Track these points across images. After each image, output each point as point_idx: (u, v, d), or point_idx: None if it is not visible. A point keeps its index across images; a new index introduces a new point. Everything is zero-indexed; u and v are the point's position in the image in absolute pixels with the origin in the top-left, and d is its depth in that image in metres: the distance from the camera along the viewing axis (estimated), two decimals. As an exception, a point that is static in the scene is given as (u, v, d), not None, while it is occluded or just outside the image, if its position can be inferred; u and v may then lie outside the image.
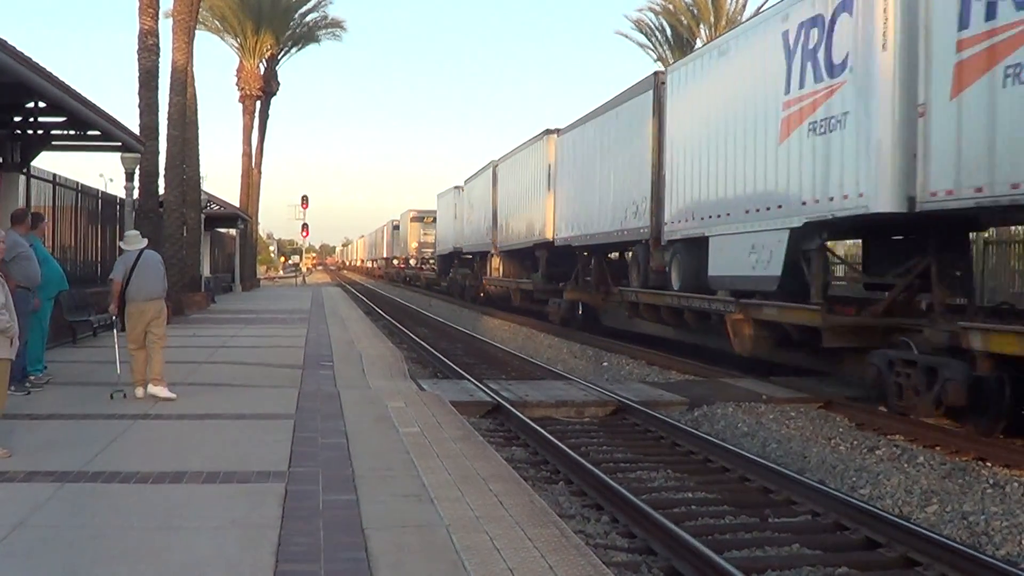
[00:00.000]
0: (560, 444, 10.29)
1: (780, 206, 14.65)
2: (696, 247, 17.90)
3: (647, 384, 15.77)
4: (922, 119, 11.46)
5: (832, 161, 13.24)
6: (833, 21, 13.30)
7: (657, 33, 45.73)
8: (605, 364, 19.55)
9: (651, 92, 20.44)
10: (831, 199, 13.23)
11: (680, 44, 42.87)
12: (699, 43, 39.87)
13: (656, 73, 20.84)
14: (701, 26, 43.60)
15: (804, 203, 13.96)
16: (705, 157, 17.54)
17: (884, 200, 12.13)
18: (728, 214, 16.51)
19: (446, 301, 44.78)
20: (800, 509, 8.38)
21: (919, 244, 13.31)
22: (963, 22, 10.74)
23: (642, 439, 11.79)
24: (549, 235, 28.77)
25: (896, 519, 7.69)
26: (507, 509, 6.18)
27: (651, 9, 45.30)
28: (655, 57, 45.15)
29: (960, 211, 11.13)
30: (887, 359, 12.54)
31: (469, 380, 15.41)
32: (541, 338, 25.55)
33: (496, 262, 37.09)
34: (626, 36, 47.73)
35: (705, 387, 15.05)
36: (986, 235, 17.25)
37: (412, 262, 65.43)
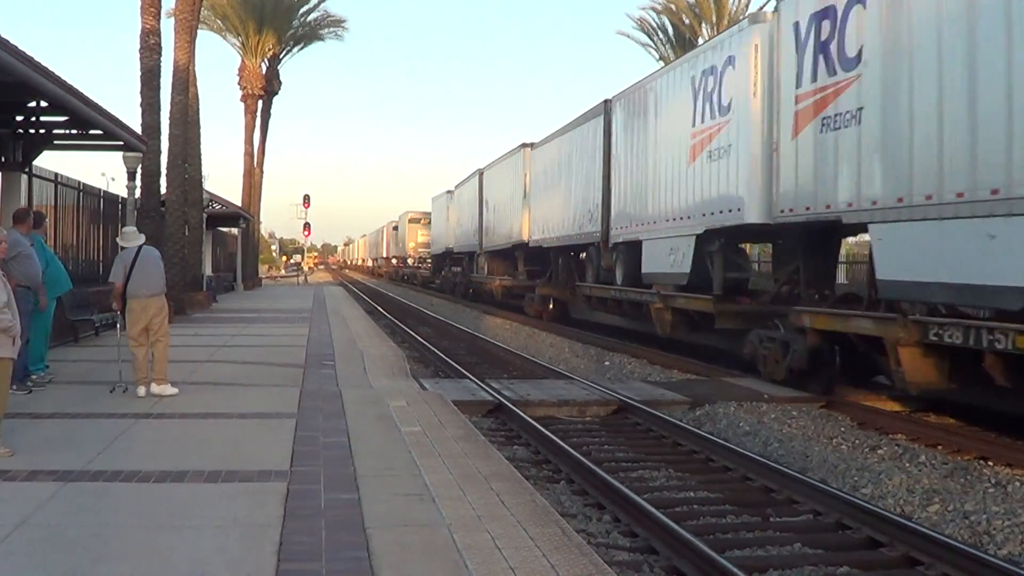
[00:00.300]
0: (562, 443, 10.29)
1: (690, 217, 18.23)
2: (634, 249, 21.41)
3: (649, 383, 15.76)
4: (775, 153, 14.99)
5: (722, 182, 16.81)
6: (723, 72, 16.86)
7: (659, 32, 45.76)
8: (607, 363, 19.55)
9: (602, 116, 23.93)
10: (722, 212, 16.79)
11: (682, 43, 42.84)
12: (701, 41, 39.86)
13: (606, 101, 23.85)
14: (703, 25, 43.60)
15: (704, 215, 17.55)
16: (639, 174, 21.27)
17: (752, 214, 15.76)
18: (655, 222, 20.10)
19: (448, 301, 44.84)
20: (802, 508, 8.38)
21: (794, 248, 16.24)
22: (799, 81, 14.17)
23: (644, 438, 11.79)
24: (525, 237, 32.18)
25: (898, 518, 7.69)
26: (509, 508, 6.18)
27: (653, 8, 45.34)
28: (658, 56, 45.17)
29: (809, 223, 14.37)
30: (759, 337, 15.77)
31: (471, 379, 15.42)
32: (543, 337, 25.55)
33: (482, 261, 40.14)
34: (628, 36, 47.86)
35: (707, 386, 15.06)
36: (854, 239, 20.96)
37: (410, 261, 68.33)
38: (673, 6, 44.37)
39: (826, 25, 13.53)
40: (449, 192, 49.42)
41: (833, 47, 13.34)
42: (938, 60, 11.17)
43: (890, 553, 7.17)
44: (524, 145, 32.74)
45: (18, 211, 11.91)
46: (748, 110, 15.81)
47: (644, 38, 46.33)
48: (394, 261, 77.85)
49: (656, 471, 9.89)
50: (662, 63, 42.62)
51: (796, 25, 14.28)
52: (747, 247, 20.30)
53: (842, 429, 12.11)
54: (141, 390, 10.50)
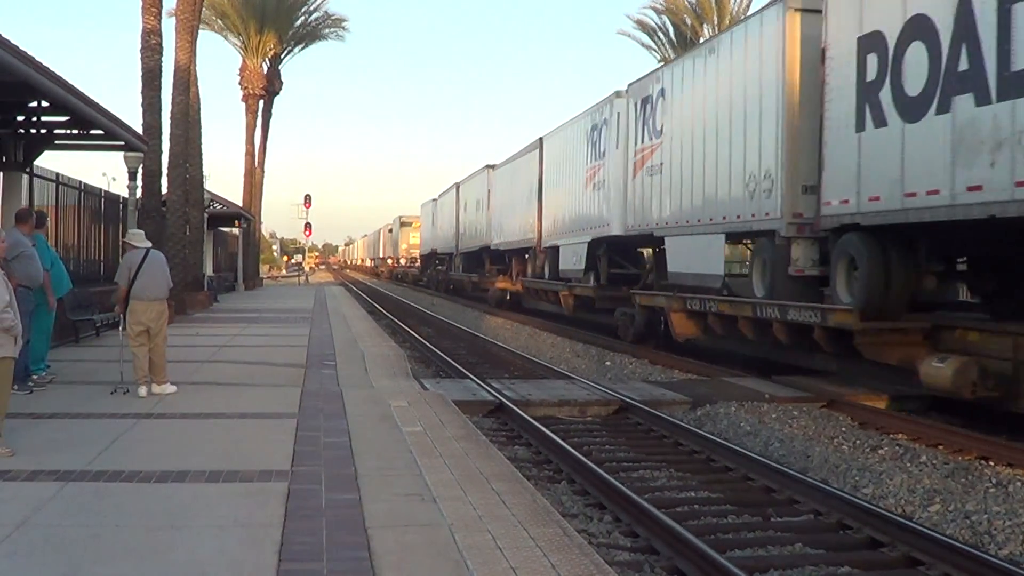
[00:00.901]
0: (563, 443, 10.29)
1: (583, 229, 25.55)
2: (555, 252, 28.57)
3: (650, 383, 15.76)
4: (627, 188, 22.26)
5: (600, 206, 24.19)
6: (601, 128, 24.23)
7: (660, 33, 45.74)
8: (608, 363, 19.55)
9: (537, 150, 31.08)
10: (600, 227, 24.07)
11: (683, 43, 42.82)
12: (701, 40, 39.84)
13: (541, 138, 30.89)
14: (704, 25, 43.58)
15: (592, 227, 24.75)
16: (557, 195, 28.81)
17: (616, 228, 23.07)
18: (565, 232, 27.63)
19: (448, 301, 44.91)
20: (803, 508, 8.38)
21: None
22: (638, 140, 21.66)
23: (645, 438, 11.79)
24: (488, 241, 39.08)
25: (899, 519, 7.69)
26: (510, 508, 6.18)
27: (654, 8, 45.31)
28: (659, 56, 45.11)
29: (643, 235, 21.74)
30: (621, 312, 22.64)
31: (472, 379, 15.42)
32: (544, 337, 25.56)
33: (458, 261, 47.19)
34: (629, 35, 47.77)
35: (708, 386, 15.05)
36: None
37: (403, 261, 75.25)
38: (673, 7, 44.34)
39: (648, 106, 20.98)
40: (434, 200, 55.69)
41: (650, 121, 20.81)
42: (691, 141, 18.53)
43: (891, 553, 7.17)
44: (488, 166, 39.96)
45: (19, 211, 11.92)
46: (613, 157, 23.19)
47: (645, 38, 46.31)
48: (389, 261, 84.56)
49: (657, 471, 9.89)
50: (662, 63, 42.59)
51: (636, 103, 21.85)
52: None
53: (843, 429, 12.10)
54: (142, 390, 10.55)
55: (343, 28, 54.11)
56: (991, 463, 10.14)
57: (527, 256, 33.02)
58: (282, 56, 52.66)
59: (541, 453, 10.51)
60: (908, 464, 10.22)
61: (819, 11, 14.04)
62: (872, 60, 12.67)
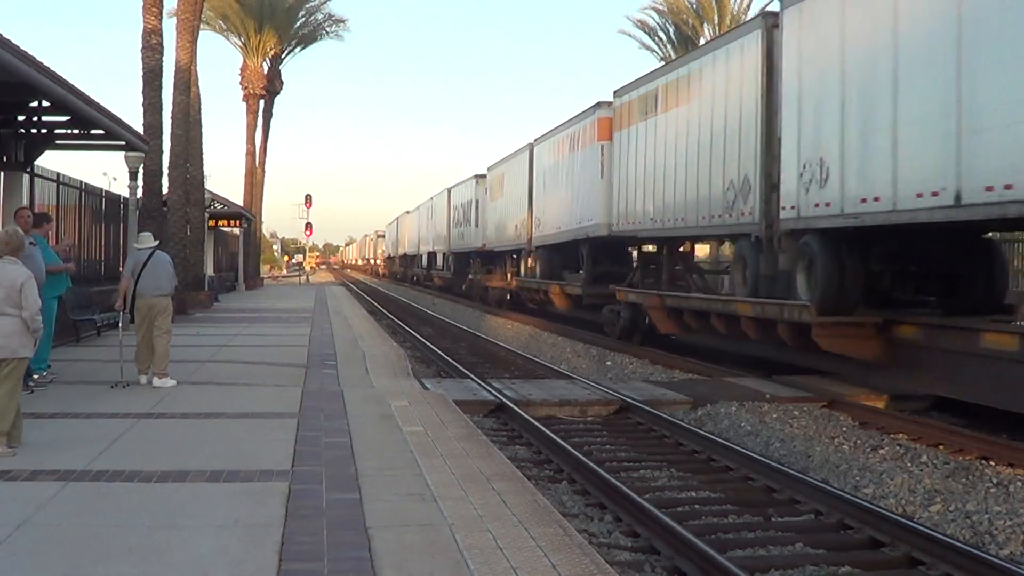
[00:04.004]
0: (563, 443, 10.29)
1: (573, 229, 26.99)
2: (545, 251, 30.34)
3: (650, 383, 15.75)
4: (612, 191, 23.81)
5: (588, 208, 25.55)
6: (580, 135, 26.43)
7: (660, 33, 45.71)
8: (608, 363, 19.54)
9: (527, 153, 32.80)
10: (589, 227, 25.37)
11: (684, 43, 42.79)
12: (702, 41, 39.85)
13: (531, 144, 32.37)
14: (705, 25, 43.56)
15: (581, 228, 26.08)
16: (546, 198, 30.22)
17: (602, 229, 24.53)
18: (554, 233, 29.00)
19: (448, 301, 44.90)
20: (803, 508, 8.38)
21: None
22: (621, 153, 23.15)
23: (645, 438, 11.78)
24: (479, 243, 41.53)
25: (899, 518, 7.68)
26: (510, 508, 6.18)
27: (654, 8, 45.28)
28: (659, 56, 45.08)
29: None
30: (608, 309, 23.37)
31: (472, 379, 15.41)
32: (544, 337, 25.56)
33: (450, 260, 50.82)
34: (629, 35, 47.73)
35: (708, 386, 15.04)
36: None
37: (379, 262, 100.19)
38: (674, 7, 44.29)
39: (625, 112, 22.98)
40: (408, 212, 67.95)
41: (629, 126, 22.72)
42: (674, 151, 19.43)
43: (892, 553, 7.17)
44: (476, 176, 42.55)
45: (20, 211, 11.91)
46: (593, 165, 25.34)
47: (646, 38, 46.27)
48: (372, 261, 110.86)
49: (658, 471, 9.88)
50: (663, 63, 42.58)
51: (619, 107, 23.42)
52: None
53: (844, 429, 12.10)
54: (142, 379, 11.18)
55: (344, 27, 54.05)
56: (992, 463, 10.14)
57: (513, 256, 35.30)
58: (282, 56, 52.63)
59: (542, 453, 10.51)
60: (909, 464, 10.22)
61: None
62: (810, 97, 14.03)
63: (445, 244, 50.03)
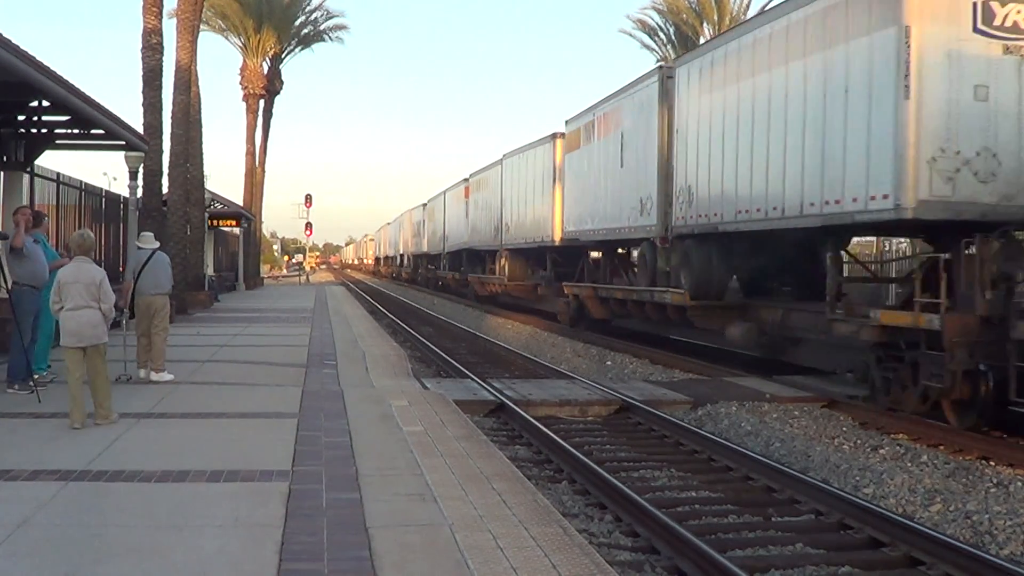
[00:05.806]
0: (564, 443, 10.29)
1: (533, 236, 31.03)
2: (514, 253, 33.85)
3: (651, 383, 15.75)
4: (564, 205, 27.82)
5: (548, 219, 29.45)
6: (543, 155, 30.29)
7: (660, 33, 45.71)
8: (608, 363, 19.55)
9: (500, 166, 36.26)
10: (546, 234, 29.48)
11: (684, 43, 42.79)
12: (702, 40, 39.83)
13: (504, 155, 35.75)
14: (705, 25, 43.56)
15: (541, 235, 30.33)
16: (516, 207, 33.73)
17: (556, 237, 28.60)
18: (520, 238, 32.76)
19: (449, 301, 44.97)
20: (803, 508, 8.38)
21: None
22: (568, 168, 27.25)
23: (646, 438, 11.79)
24: (466, 240, 44.37)
25: (900, 518, 7.69)
26: (510, 508, 6.18)
27: (654, 8, 45.27)
28: (659, 56, 45.07)
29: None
30: (563, 302, 27.18)
31: (473, 379, 15.41)
32: (545, 337, 25.57)
33: (443, 260, 54.08)
34: (630, 34, 47.68)
35: (709, 386, 15.05)
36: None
37: (370, 262, 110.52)
38: (674, 7, 44.28)
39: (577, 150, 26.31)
40: (397, 219, 73.62)
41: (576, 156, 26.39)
42: (604, 176, 23.40)
43: (892, 553, 7.18)
44: (465, 180, 44.93)
45: (19, 209, 11.90)
46: (549, 182, 29.50)
47: (646, 38, 46.26)
48: (366, 261, 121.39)
49: (658, 471, 9.89)
50: (663, 63, 42.55)
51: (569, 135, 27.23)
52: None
53: (844, 429, 12.10)
54: (142, 372, 11.65)
55: (344, 27, 54.00)
56: (992, 463, 10.14)
57: (488, 256, 39.77)
58: (282, 56, 52.59)
59: (542, 453, 10.51)
60: (909, 464, 10.22)
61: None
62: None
63: (420, 247, 58.43)
